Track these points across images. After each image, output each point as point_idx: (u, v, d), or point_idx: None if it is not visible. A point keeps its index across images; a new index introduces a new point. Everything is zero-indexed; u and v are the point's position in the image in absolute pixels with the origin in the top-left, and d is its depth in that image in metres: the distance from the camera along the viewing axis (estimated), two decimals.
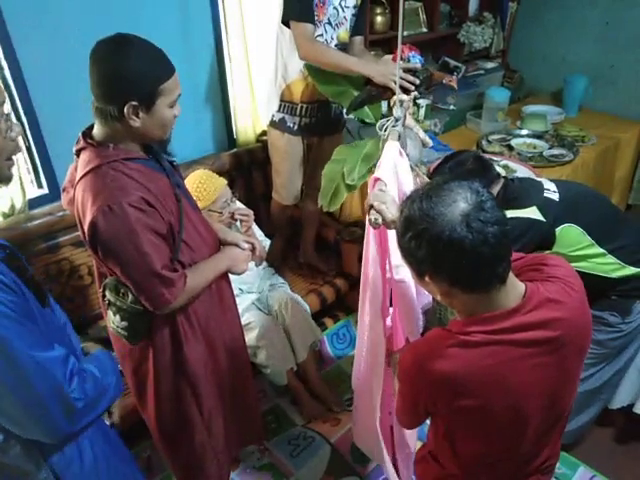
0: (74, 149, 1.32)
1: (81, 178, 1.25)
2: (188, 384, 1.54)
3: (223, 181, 2.01)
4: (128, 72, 1.17)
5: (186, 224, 1.37)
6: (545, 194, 1.72)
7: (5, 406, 0.97)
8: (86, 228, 1.23)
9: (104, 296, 1.42)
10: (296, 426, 2.28)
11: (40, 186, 2.21)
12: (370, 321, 1.51)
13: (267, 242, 2.38)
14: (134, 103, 1.19)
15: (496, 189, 1.74)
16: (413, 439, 1.71)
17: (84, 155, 1.27)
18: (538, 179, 1.86)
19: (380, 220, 1.23)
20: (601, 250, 1.71)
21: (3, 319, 0.90)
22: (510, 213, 1.61)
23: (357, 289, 1.57)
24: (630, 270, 1.73)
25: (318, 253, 2.75)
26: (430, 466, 1.26)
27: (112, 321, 1.42)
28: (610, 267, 1.73)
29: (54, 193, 2.17)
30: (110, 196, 1.20)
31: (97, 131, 1.28)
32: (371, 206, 1.24)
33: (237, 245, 1.57)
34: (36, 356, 0.94)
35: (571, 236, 1.68)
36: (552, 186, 1.76)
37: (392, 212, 1.21)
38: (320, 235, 2.78)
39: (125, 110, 1.19)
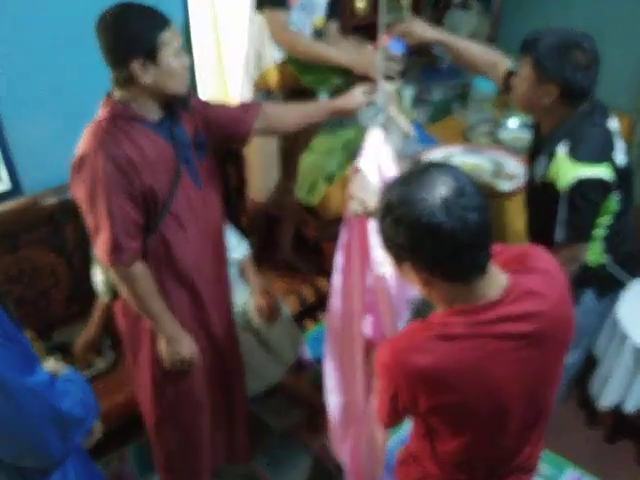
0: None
1: (87, 128, 1.32)
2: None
3: None
4: (126, 32, 1.23)
5: (180, 199, 1.38)
6: (614, 155, 1.53)
7: None
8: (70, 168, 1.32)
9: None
10: (272, 432, 2.22)
11: None
12: (346, 319, 1.49)
13: (246, 245, 2.20)
14: (139, 59, 1.23)
15: (580, 108, 1.57)
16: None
17: (99, 110, 1.35)
18: (610, 129, 1.60)
19: (361, 210, 1.23)
20: (606, 233, 1.59)
21: None
22: (583, 169, 1.46)
23: None
24: (602, 259, 1.63)
25: (297, 251, 2.68)
26: (411, 468, 1.25)
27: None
28: (592, 251, 1.61)
29: (15, 188, 2.03)
30: (97, 145, 1.26)
31: (116, 93, 1.33)
32: (352, 195, 1.25)
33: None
34: (26, 382, 0.90)
35: (607, 208, 1.55)
36: (621, 147, 1.56)
37: (374, 201, 1.19)
38: (299, 233, 2.70)
39: (133, 68, 1.24)
